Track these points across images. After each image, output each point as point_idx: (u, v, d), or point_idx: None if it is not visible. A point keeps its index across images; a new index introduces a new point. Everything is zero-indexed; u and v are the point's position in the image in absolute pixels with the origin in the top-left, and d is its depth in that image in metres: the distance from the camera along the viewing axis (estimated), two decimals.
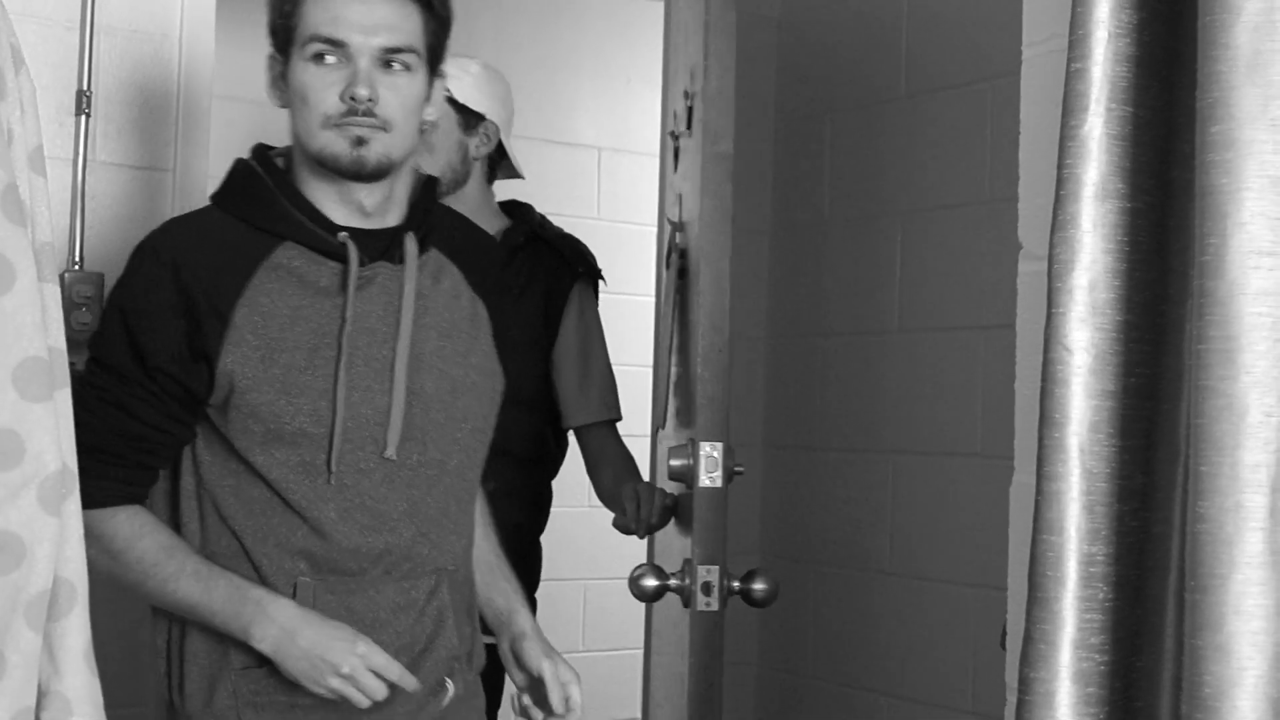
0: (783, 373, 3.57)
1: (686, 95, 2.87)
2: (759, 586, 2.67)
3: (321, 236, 2.04)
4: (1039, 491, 1.62)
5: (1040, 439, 1.62)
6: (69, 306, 2.48)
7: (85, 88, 2.59)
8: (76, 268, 2.55)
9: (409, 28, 2.02)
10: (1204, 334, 1.52)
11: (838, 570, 3.42)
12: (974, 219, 3.11)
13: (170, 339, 2.00)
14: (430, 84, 2.08)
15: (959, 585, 3.12)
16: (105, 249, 2.62)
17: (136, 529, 2.02)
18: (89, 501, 1.77)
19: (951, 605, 3.14)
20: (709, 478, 2.68)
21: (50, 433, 1.56)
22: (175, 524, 2.07)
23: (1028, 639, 1.63)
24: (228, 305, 2.00)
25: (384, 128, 2.00)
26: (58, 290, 1.64)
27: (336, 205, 2.06)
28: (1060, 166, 1.63)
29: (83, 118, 2.58)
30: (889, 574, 3.31)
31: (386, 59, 2.01)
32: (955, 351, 3.17)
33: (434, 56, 2.07)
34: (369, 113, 1.99)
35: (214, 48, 2.76)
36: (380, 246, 2.06)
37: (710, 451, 2.68)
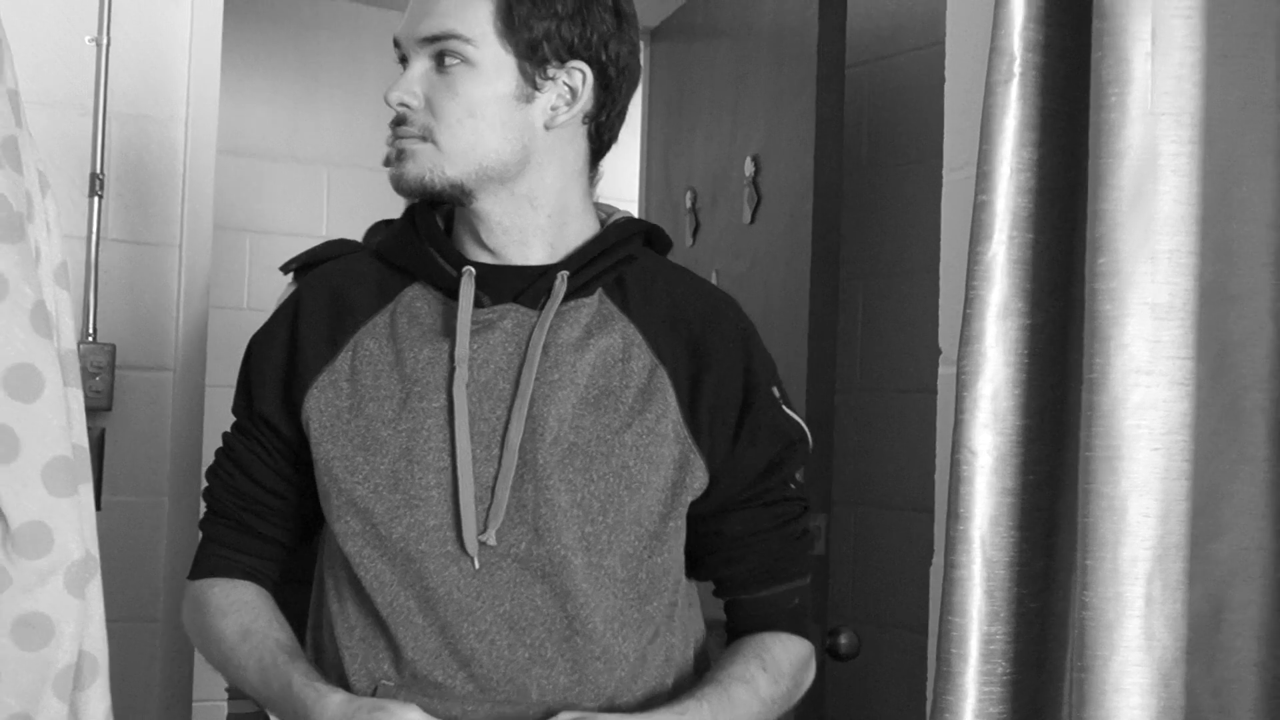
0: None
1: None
2: (844, 641, 2.92)
3: (443, 271, 1.73)
4: (945, 577, 1.82)
5: (947, 530, 1.82)
6: (84, 376, 2.69)
7: (98, 170, 2.79)
8: (90, 339, 2.75)
9: (461, 9, 1.65)
10: (1090, 442, 1.71)
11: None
12: (930, 284, 3.29)
13: (271, 382, 1.79)
14: (531, 75, 1.66)
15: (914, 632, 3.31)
16: (117, 320, 2.82)
17: (224, 605, 1.80)
18: (194, 569, 1.79)
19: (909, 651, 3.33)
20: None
21: (74, 524, 1.76)
22: (319, 607, 1.81)
23: (934, 708, 1.83)
24: (334, 348, 1.75)
25: (423, 136, 1.66)
26: (80, 393, 1.84)
27: (470, 238, 1.75)
28: (968, 287, 1.83)
29: (96, 198, 2.79)
30: (851, 619, 3.50)
31: (437, 53, 1.66)
32: (911, 410, 3.35)
33: (529, 41, 1.65)
34: (400, 120, 1.68)
35: (217, 129, 2.96)
36: (515, 286, 1.71)
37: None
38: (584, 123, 1.71)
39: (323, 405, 1.72)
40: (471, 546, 1.62)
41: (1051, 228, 1.83)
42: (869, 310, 3.51)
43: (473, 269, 1.70)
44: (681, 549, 1.73)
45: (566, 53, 1.66)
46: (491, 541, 1.62)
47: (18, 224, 1.76)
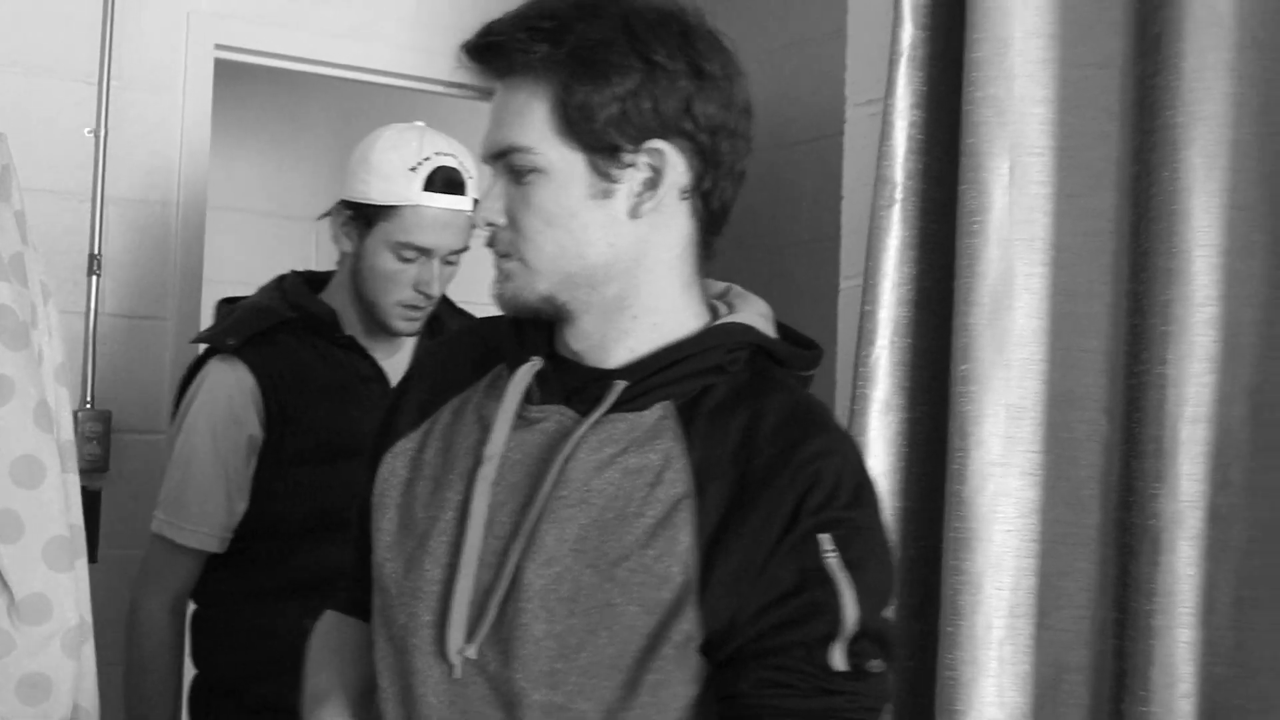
0: None
1: None
2: None
3: (516, 356, 1.58)
4: None
5: None
6: (81, 441, 2.95)
7: (96, 252, 3.05)
8: (88, 406, 3.01)
9: (518, 118, 1.51)
10: (952, 525, 1.96)
11: None
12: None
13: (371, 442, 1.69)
14: (603, 169, 1.49)
15: None
16: (113, 388, 3.07)
17: (322, 650, 1.75)
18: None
19: None
20: None
21: (71, 594, 2.02)
22: None
23: None
24: (422, 415, 1.64)
25: (511, 254, 1.53)
26: (77, 477, 2.11)
27: (565, 333, 1.58)
28: (855, 385, 2.08)
29: (94, 277, 3.05)
30: None
31: (509, 166, 1.52)
32: None
33: (593, 132, 1.48)
34: (492, 241, 1.55)
35: (207, 211, 3.22)
36: (571, 386, 1.55)
37: None
38: (683, 199, 1.52)
39: (387, 473, 1.62)
40: (453, 657, 1.51)
41: (928, 334, 2.08)
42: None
43: (539, 361, 1.56)
44: (678, 704, 1.48)
45: (638, 134, 1.47)
46: (471, 655, 1.49)
47: (23, 332, 2.02)
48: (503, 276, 1.53)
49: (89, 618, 2.07)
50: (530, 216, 1.49)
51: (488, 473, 1.52)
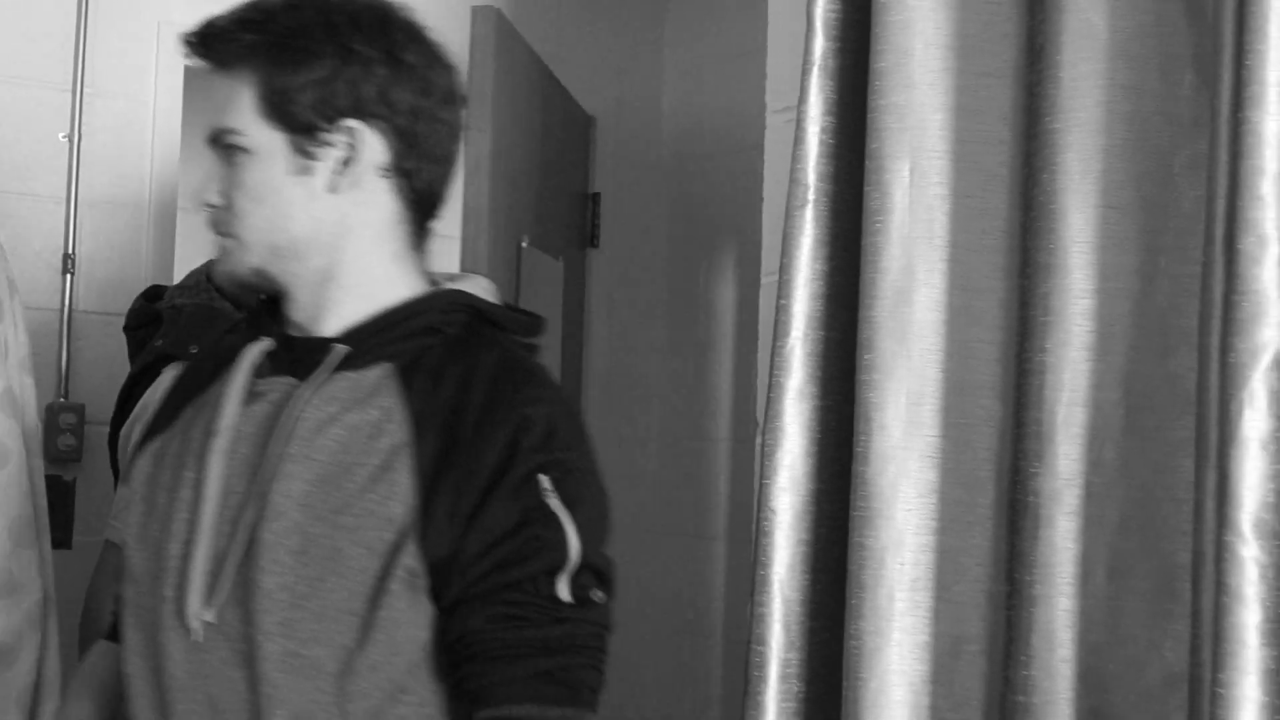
0: (671, 472, 4.19)
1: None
2: None
3: (247, 338, 1.68)
4: (750, 614, 2.19)
5: (753, 574, 2.20)
6: (55, 432, 3.09)
7: (70, 251, 3.19)
8: (63, 399, 3.15)
9: (228, 102, 1.61)
10: (857, 504, 2.08)
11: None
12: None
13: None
14: (302, 146, 1.59)
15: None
16: (86, 383, 3.21)
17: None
18: None
19: None
20: None
21: (36, 570, 2.16)
22: None
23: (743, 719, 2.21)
24: (188, 400, 1.72)
25: (227, 233, 1.63)
26: (41, 462, 2.25)
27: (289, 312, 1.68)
28: (770, 374, 2.21)
29: (68, 276, 3.19)
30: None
31: (224, 148, 1.63)
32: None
33: (292, 114, 1.59)
34: (211, 222, 1.66)
35: (178, 212, 3.36)
36: (295, 359, 1.64)
37: None
38: (383, 177, 1.61)
39: (135, 473, 1.71)
40: (192, 621, 1.55)
41: (839, 327, 2.20)
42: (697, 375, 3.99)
43: (269, 340, 1.65)
44: (411, 647, 1.56)
45: (334, 115, 1.58)
46: (210, 619, 1.54)
47: None
48: (221, 254, 1.63)
49: (53, 592, 2.21)
50: (240, 195, 1.59)
51: (220, 444, 1.60)
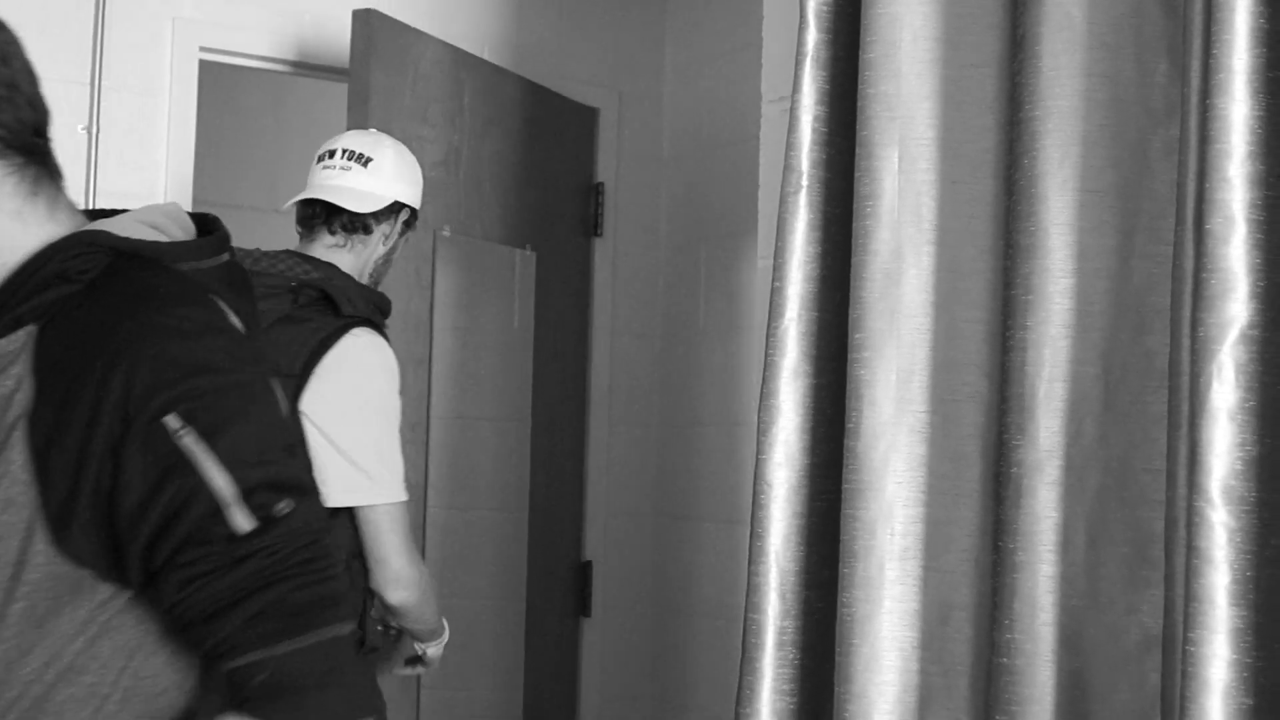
0: (669, 455, 4.25)
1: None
2: None
3: None
4: (748, 583, 2.28)
5: (749, 546, 2.29)
6: None
7: None
8: None
9: None
10: (849, 477, 2.17)
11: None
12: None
13: None
14: None
15: None
16: None
17: None
18: None
19: None
20: None
21: None
22: None
23: (740, 686, 2.28)
24: None
25: None
26: None
27: None
28: (766, 353, 2.30)
29: None
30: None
31: None
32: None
33: None
34: None
35: (192, 204, 3.46)
36: None
37: None
38: None
39: None
40: None
41: (832, 308, 2.29)
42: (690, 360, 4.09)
43: None
44: (62, 637, 1.46)
45: None
46: None
47: None
48: None
49: None
50: None
51: None
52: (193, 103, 3.45)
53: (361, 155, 2.82)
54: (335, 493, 2.58)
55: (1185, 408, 1.86)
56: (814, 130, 2.29)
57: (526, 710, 3.98)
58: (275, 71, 3.69)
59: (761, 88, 2.54)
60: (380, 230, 2.83)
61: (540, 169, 3.91)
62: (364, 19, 3.29)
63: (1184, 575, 1.83)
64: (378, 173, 2.82)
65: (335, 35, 3.63)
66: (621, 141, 4.16)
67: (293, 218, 2.83)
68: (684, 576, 4.10)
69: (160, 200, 3.39)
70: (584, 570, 4.10)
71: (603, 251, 4.15)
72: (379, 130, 3.00)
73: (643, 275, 4.18)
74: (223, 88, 3.82)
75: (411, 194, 2.88)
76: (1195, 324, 1.81)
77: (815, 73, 2.28)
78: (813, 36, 2.28)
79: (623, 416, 4.14)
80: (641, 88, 4.20)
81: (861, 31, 2.20)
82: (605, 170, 4.14)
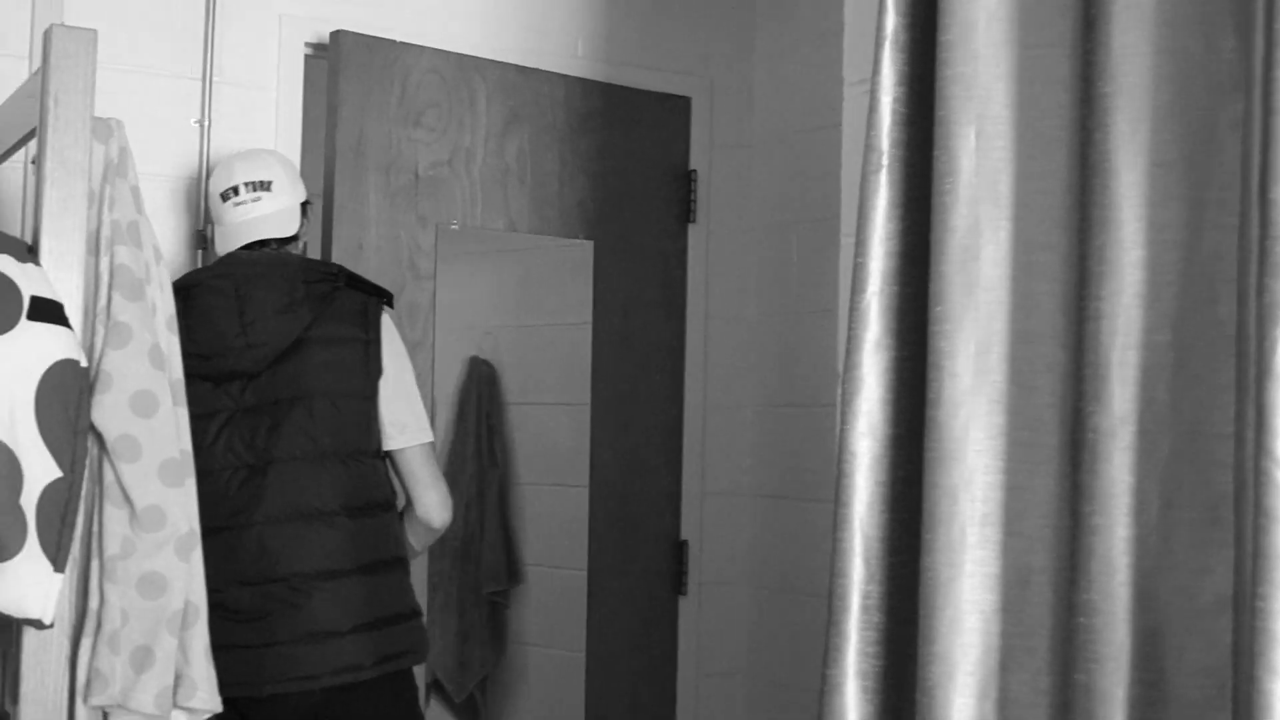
0: (764, 435, 4.35)
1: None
2: None
3: None
4: (832, 549, 2.36)
5: (834, 513, 2.37)
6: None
7: (202, 228, 3.43)
8: None
9: None
10: (930, 446, 2.23)
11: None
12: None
13: None
14: None
15: None
16: None
17: None
18: None
19: None
20: None
21: (181, 507, 2.38)
22: None
23: (825, 648, 2.36)
24: None
25: None
26: (186, 411, 2.47)
27: None
28: (849, 327, 2.38)
29: (200, 251, 3.42)
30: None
31: None
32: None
33: None
34: None
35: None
36: None
37: None
38: None
39: None
40: None
41: (912, 282, 2.36)
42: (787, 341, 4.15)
43: None
44: None
45: None
46: None
47: (139, 287, 2.39)
48: None
49: (198, 528, 2.43)
50: None
51: None
52: (298, 96, 3.58)
53: (261, 182, 3.12)
54: (387, 438, 3.07)
55: (1252, 371, 1.91)
56: (893, 111, 2.36)
57: (624, 685, 4.08)
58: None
59: (844, 72, 2.62)
60: (301, 231, 3.19)
61: (599, 160, 4.04)
62: (337, 40, 3.61)
63: (1252, 534, 1.89)
64: (280, 191, 3.14)
65: (438, 29, 3.76)
66: (713, 129, 4.25)
67: None
68: (780, 555, 4.18)
69: None
70: (679, 549, 4.20)
71: (696, 238, 4.24)
72: (265, 148, 3.37)
73: (735, 260, 4.26)
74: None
75: (302, 188, 3.22)
76: (1261, 289, 1.87)
77: (894, 55, 2.35)
78: (892, 20, 2.35)
79: (717, 399, 4.23)
80: (732, 76, 4.28)
81: (939, 15, 2.26)
82: (698, 158, 4.23)
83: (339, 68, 3.60)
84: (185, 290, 2.93)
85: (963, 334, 2.24)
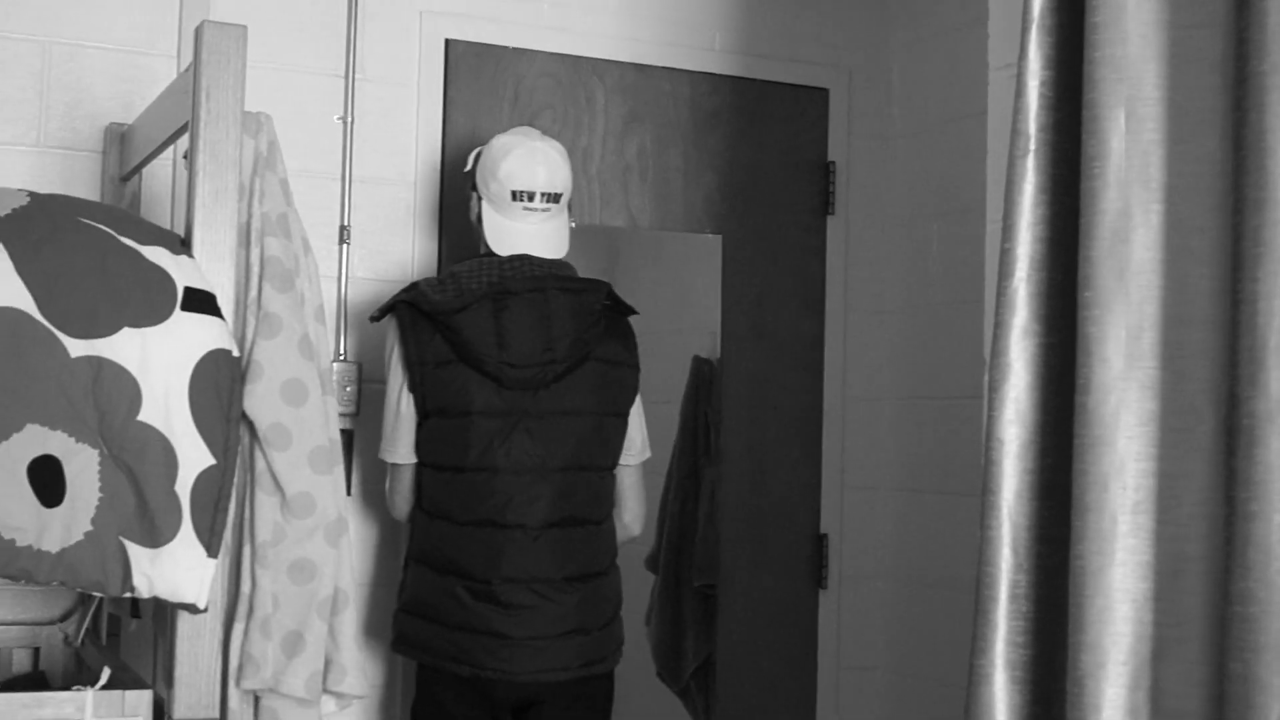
0: (904, 428, 4.32)
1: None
2: None
3: None
4: (980, 538, 2.33)
5: (981, 501, 2.35)
6: (335, 388, 3.37)
7: (345, 223, 3.47)
8: (341, 358, 3.43)
9: None
10: (1080, 433, 2.20)
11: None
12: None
13: None
14: None
15: None
16: (362, 344, 3.49)
17: None
18: None
19: None
20: None
21: (330, 494, 2.42)
22: None
23: (973, 638, 2.34)
24: None
25: None
26: (334, 400, 2.51)
27: None
28: (996, 314, 2.35)
29: (344, 245, 3.47)
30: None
31: None
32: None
33: None
34: None
35: (439, 189, 3.63)
36: None
37: None
38: None
39: None
40: None
41: (1060, 268, 2.33)
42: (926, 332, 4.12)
43: None
44: None
45: None
46: None
47: (289, 278, 2.43)
48: None
49: (346, 515, 2.47)
50: None
51: None
52: (439, 92, 3.62)
53: (556, 195, 3.19)
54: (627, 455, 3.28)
55: None
56: (1040, 95, 2.33)
57: (766, 676, 4.07)
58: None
59: (988, 57, 2.60)
60: None
61: (728, 154, 4.04)
62: (451, 48, 3.68)
63: None
64: (564, 206, 3.24)
65: (568, 25, 3.78)
66: (851, 120, 4.22)
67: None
68: (920, 549, 4.14)
69: (411, 183, 3.56)
70: (820, 542, 4.18)
71: (835, 230, 4.22)
72: (558, 146, 3.30)
73: (875, 251, 4.24)
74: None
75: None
76: None
77: (1041, 39, 2.32)
78: (1038, 4, 2.32)
79: (857, 391, 4.20)
80: (870, 66, 4.25)
81: None
82: (836, 149, 4.21)
83: (451, 75, 3.67)
84: (500, 298, 3.07)
85: (1113, 319, 2.21)
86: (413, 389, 3.07)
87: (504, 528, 3.05)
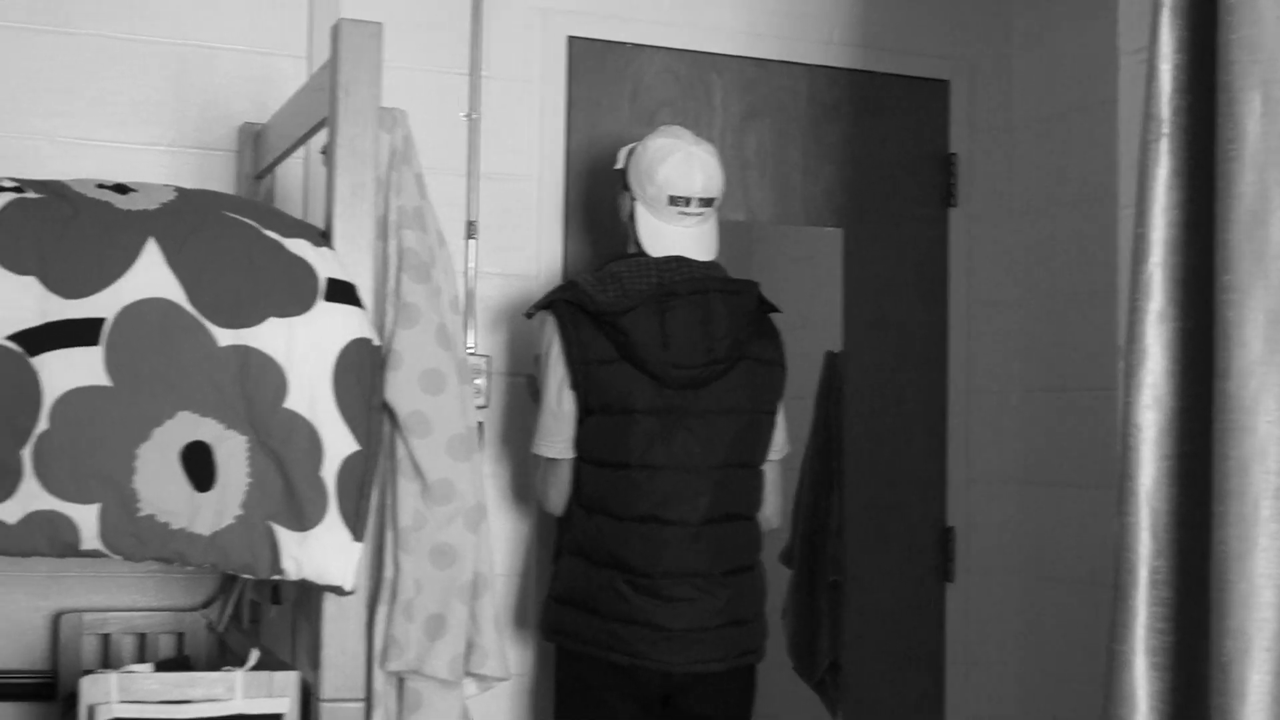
0: (1032, 421, 4.30)
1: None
2: None
3: None
4: (1118, 523, 2.31)
5: (1119, 487, 2.33)
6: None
7: (472, 219, 3.51)
8: (472, 351, 3.48)
9: None
10: (1220, 418, 2.18)
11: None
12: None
13: None
14: None
15: None
16: (491, 336, 3.53)
17: None
18: None
19: None
20: None
21: (469, 481, 2.46)
22: None
23: (1113, 624, 2.32)
24: None
25: None
26: (471, 389, 2.54)
27: None
28: (1130, 299, 2.34)
29: (471, 240, 3.52)
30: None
31: None
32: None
33: None
34: None
35: (563, 185, 3.66)
36: None
37: None
38: None
39: None
40: None
41: (1196, 252, 2.31)
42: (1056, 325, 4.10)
43: None
44: None
45: None
46: None
47: (425, 270, 2.47)
48: None
49: (485, 501, 2.50)
50: None
51: None
52: (562, 88, 3.65)
53: (710, 200, 3.22)
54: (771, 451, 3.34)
55: None
56: (1173, 78, 2.31)
57: (893, 670, 4.07)
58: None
59: (1118, 41, 2.58)
60: None
61: (848, 147, 4.04)
62: (573, 45, 3.71)
63: None
64: (716, 210, 3.27)
65: (687, 21, 3.80)
66: (973, 112, 4.21)
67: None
68: (1048, 542, 4.11)
69: (536, 178, 3.60)
70: (946, 536, 4.17)
71: (957, 221, 4.21)
72: (713, 149, 3.32)
73: (998, 243, 4.22)
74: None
75: None
76: None
77: (1173, 22, 2.31)
78: None
79: (981, 383, 4.18)
80: (990, 57, 4.23)
81: None
82: (957, 141, 4.20)
83: (573, 72, 3.71)
84: (665, 299, 3.13)
85: (1252, 302, 2.19)
86: (574, 386, 3.12)
87: (666, 523, 3.09)
